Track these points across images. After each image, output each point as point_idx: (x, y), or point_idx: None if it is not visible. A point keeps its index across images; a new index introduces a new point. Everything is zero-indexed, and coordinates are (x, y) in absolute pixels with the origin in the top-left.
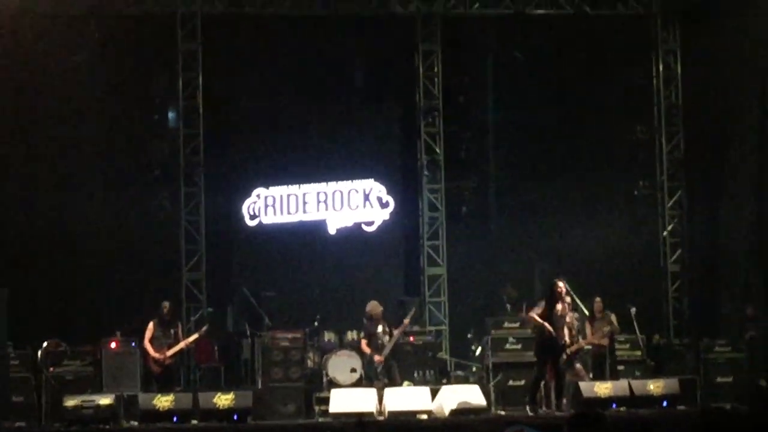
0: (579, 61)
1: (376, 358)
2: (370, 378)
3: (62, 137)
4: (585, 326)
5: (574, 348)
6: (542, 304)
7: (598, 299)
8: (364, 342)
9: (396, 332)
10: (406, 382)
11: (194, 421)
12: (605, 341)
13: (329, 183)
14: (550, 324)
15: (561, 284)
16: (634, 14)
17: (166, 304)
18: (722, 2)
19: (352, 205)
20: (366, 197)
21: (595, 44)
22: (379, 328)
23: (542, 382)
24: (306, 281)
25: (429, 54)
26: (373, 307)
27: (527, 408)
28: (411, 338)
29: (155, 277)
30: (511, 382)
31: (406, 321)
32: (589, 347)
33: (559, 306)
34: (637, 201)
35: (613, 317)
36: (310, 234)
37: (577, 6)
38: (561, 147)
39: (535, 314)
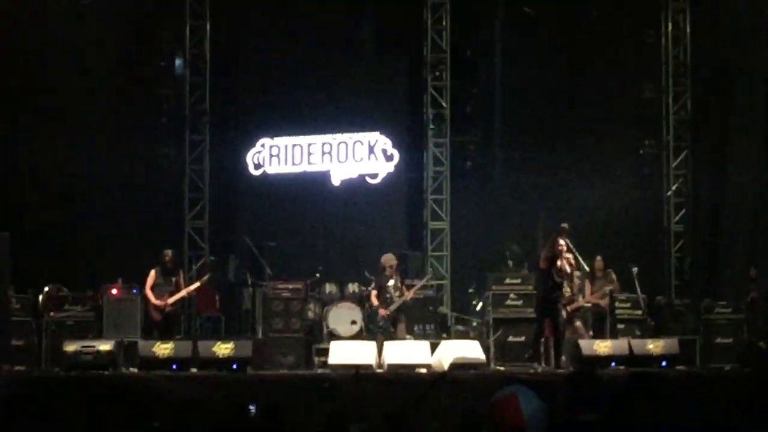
0: (588, 19)
1: (381, 311)
2: (370, 330)
3: (67, 82)
4: (585, 284)
5: (573, 306)
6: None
7: (599, 258)
8: (374, 293)
9: (408, 294)
10: (408, 337)
11: (193, 370)
12: (605, 300)
13: (334, 134)
14: (550, 280)
15: (562, 241)
16: None
17: (169, 251)
18: None
19: (356, 156)
20: (371, 149)
21: (605, 2)
22: (391, 282)
23: (542, 339)
24: (308, 232)
25: (438, 6)
26: (387, 259)
27: (527, 364)
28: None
29: (158, 225)
30: (510, 338)
31: (423, 281)
32: (589, 305)
33: (558, 262)
34: (643, 159)
35: (614, 276)
36: (313, 185)
37: None
38: (567, 104)
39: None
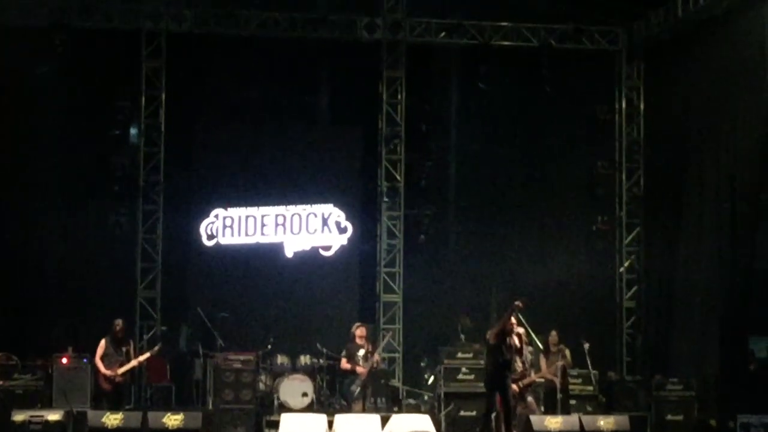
0: (543, 94)
1: (359, 369)
2: (321, 403)
3: (21, 148)
4: (540, 359)
5: (526, 381)
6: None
7: (554, 332)
8: (344, 360)
9: (374, 358)
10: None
11: None
12: (557, 377)
13: (288, 206)
14: (500, 355)
15: (512, 319)
16: (599, 50)
17: (119, 321)
18: (686, 41)
19: (310, 229)
20: (324, 222)
21: (560, 78)
22: (361, 352)
23: (493, 414)
24: (261, 303)
25: (393, 81)
26: (357, 328)
27: None
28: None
29: (110, 294)
30: (462, 412)
31: (377, 356)
32: (542, 380)
33: (508, 338)
34: (596, 235)
35: (567, 352)
36: (267, 256)
37: (543, 39)
38: (521, 179)
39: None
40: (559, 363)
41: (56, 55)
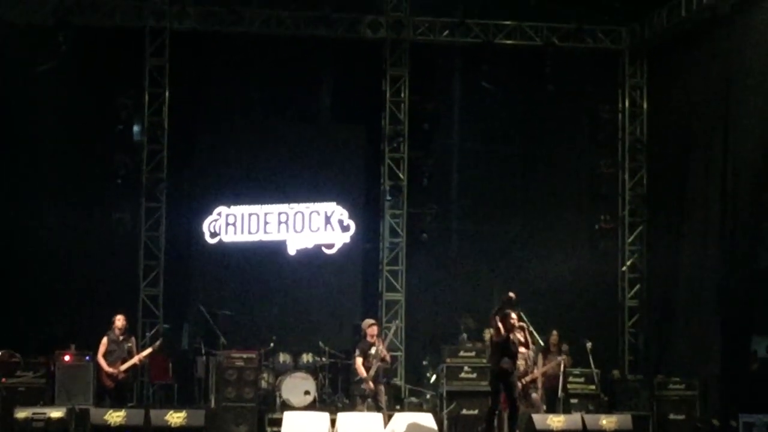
0: (545, 93)
1: (366, 385)
2: (324, 401)
3: (24, 146)
4: (539, 358)
5: (528, 378)
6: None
7: (554, 332)
8: (358, 361)
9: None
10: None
11: None
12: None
13: (291, 204)
14: (503, 353)
15: (514, 315)
16: (602, 49)
17: (121, 318)
18: (689, 40)
19: (312, 227)
20: (327, 220)
21: (563, 77)
22: (373, 349)
23: (496, 412)
24: (263, 301)
25: (396, 79)
26: (367, 325)
27: None
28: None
29: (112, 291)
30: (464, 411)
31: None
32: (541, 379)
33: (511, 336)
34: (598, 235)
35: (568, 351)
36: (269, 254)
37: (546, 38)
38: (524, 178)
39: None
40: (561, 359)
41: (60, 52)
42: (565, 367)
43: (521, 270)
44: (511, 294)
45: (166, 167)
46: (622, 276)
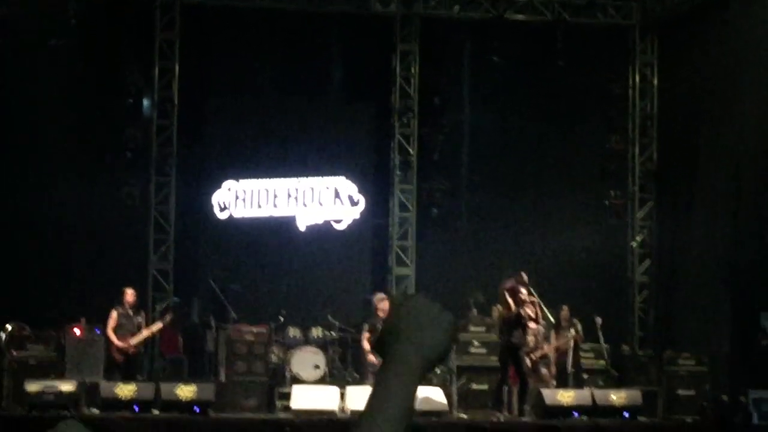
0: (556, 68)
1: (370, 358)
2: (334, 375)
3: (34, 120)
4: (550, 334)
5: (538, 354)
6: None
7: (565, 307)
8: (366, 336)
9: None
10: None
11: (155, 412)
12: (569, 346)
13: (300, 179)
14: (515, 327)
15: (524, 290)
16: (613, 24)
17: (131, 292)
18: (700, 16)
19: (322, 201)
20: (337, 195)
21: (573, 52)
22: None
23: (505, 387)
24: (273, 276)
25: (406, 54)
26: (378, 299)
27: (489, 412)
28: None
29: (122, 265)
30: (474, 386)
31: None
32: (553, 354)
33: (521, 311)
34: (608, 210)
35: (579, 326)
36: (279, 229)
37: (557, 13)
38: (534, 153)
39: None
40: (571, 335)
41: (70, 26)
42: (575, 342)
43: (531, 245)
44: (524, 274)
45: (175, 141)
46: (631, 251)
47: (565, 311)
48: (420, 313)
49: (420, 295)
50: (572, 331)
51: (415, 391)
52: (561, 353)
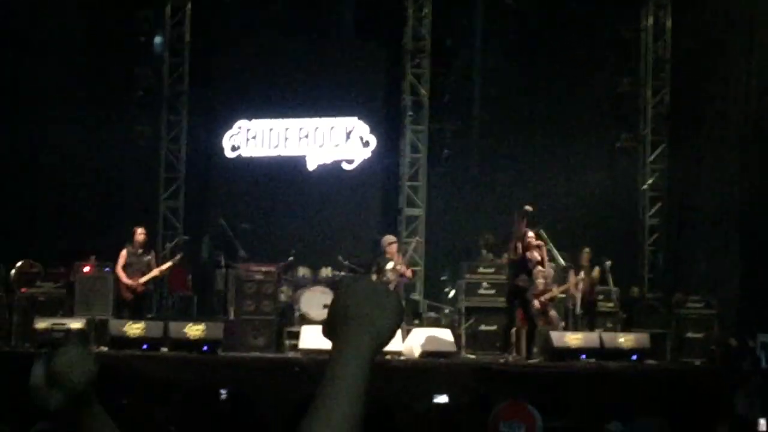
0: (569, 11)
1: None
2: None
3: (43, 58)
4: (570, 274)
5: (547, 296)
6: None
7: (587, 249)
8: (374, 276)
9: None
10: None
11: (164, 350)
12: (578, 292)
13: (312, 119)
14: (521, 269)
15: (531, 233)
16: None
17: (142, 231)
18: None
19: (333, 142)
20: (348, 135)
21: None
22: (390, 265)
23: (513, 329)
24: (283, 216)
25: None
26: (386, 240)
27: (497, 353)
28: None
29: (132, 203)
30: (482, 327)
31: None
32: (563, 295)
33: (529, 253)
34: (619, 153)
35: (597, 271)
36: (289, 169)
37: None
38: (545, 95)
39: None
40: (579, 279)
41: None
42: (593, 285)
43: (542, 187)
44: (528, 207)
45: (187, 80)
46: (642, 194)
47: (587, 253)
48: (367, 295)
49: (365, 277)
50: (596, 271)
51: (368, 372)
52: (587, 293)
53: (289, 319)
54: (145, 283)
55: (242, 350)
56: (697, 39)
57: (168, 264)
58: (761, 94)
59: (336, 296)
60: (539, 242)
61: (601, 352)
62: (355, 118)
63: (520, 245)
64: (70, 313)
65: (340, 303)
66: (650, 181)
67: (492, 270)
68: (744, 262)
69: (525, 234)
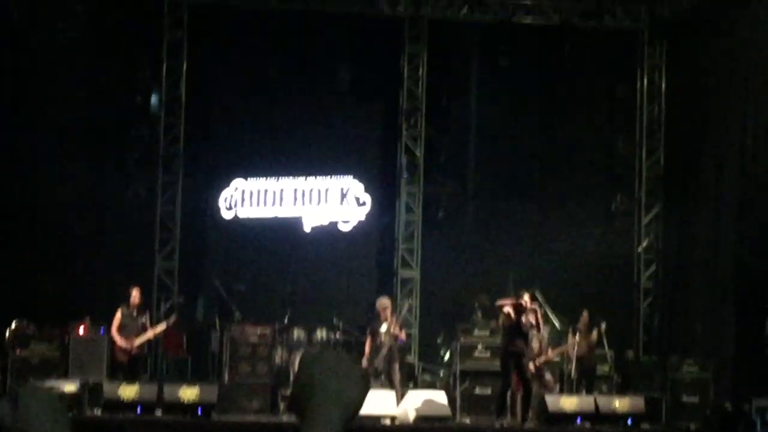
0: (564, 72)
1: (364, 363)
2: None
3: (42, 116)
4: (569, 338)
5: (542, 359)
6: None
7: (585, 313)
8: (368, 341)
9: (398, 333)
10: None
11: (158, 413)
12: (574, 355)
13: (307, 178)
14: (516, 334)
15: (526, 297)
16: (621, 28)
17: (136, 291)
18: (710, 20)
19: (329, 201)
20: (343, 195)
21: (581, 55)
22: (383, 327)
23: (509, 393)
24: (278, 277)
25: (414, 56)
26: (381, 303)
27: (493, 417)
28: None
29: (128, 264)
30: (478, 390)
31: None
32: (557, 359)
33: (524, 317)
34: (614, 215)
35: (595, 333)
36: (285, 229)
37: (565, 17)
38: (541, 157)
39: (506, 310)
40: (574, 342)
41: (78, 22)
42: (592, 349)
43: (537, 249)
44: (522, 302)
45: (183, 140)
46: (637, 257)
47: (585, 317)
48: (332, 368)
49: (329, 350)
50: (594, 334)
51: None
52: (584, 359)
53: (284, 381)
54: (140, 346)
55: (237, 413)
56: (690, 99)
57: (162, 325)
58: (755, 155)
59: (300, 369)
60: (534, 306)
61: (596, 416)
62: (350, 177)
63: (513, 311)
64: (65, 375)
65: (305, 376)
66: (645, 244)
67: (487, 333)
68: (739, 324)
69: (520, 298)
